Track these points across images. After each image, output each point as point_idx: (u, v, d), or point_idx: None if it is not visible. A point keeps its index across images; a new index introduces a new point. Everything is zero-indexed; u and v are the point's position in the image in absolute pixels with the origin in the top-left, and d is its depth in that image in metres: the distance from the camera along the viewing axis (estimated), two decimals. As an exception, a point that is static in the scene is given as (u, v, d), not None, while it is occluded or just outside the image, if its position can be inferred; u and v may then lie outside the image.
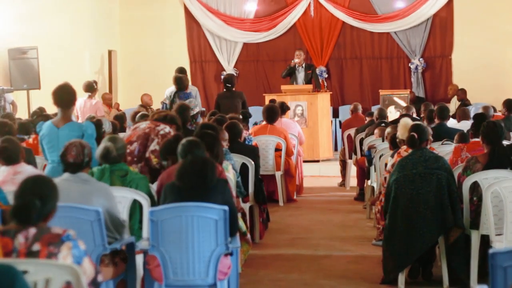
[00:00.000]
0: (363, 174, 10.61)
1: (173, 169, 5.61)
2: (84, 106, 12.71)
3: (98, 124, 7.89)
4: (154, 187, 6.05)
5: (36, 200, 3.60)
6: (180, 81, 11.74)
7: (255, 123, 12.23)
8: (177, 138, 6.26)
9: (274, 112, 11.09)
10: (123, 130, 10.56)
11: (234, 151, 8.18)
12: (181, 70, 12.96)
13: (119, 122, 10.64)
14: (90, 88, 13.08)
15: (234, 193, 6.56)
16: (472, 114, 13.38)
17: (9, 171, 6.16)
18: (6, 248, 3.47)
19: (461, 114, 10.64)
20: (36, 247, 3.50)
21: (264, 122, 11.13)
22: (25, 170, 6.22)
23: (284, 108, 11.97)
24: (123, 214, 5.52)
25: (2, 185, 6.06)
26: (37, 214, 3.59)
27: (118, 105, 15.92)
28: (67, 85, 6.95)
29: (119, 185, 5.68)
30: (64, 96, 6.89)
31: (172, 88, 12.16)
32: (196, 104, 11.68)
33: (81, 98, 12.81)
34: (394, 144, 8.06)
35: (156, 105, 13.92)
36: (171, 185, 5.39)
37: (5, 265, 2.95)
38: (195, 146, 5.75)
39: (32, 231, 3.54)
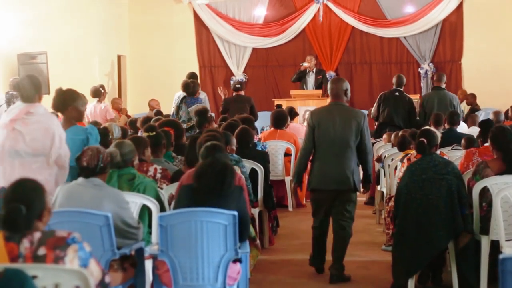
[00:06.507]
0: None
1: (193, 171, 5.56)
2: (94, 112, 12.76)
3: (104, 131, 7.88)
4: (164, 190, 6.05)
5: (21, 206, 3.48)
6: (187, 86, 11.72)
7: (262, 129, 12.19)
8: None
9: (282, 118, 11.02)
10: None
11: (245, 157, 8.17)
12: (192, 75, 12.95)
13: (133, 128, 10.58)
14: (97, 93, 13.15)
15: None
16: (481, 119, 13.46)
17: (22, 110, 6.34)
18: (12, 253, 3.45)
19: (471, 121, 10.77)
20: (42, 251, 3.48)
21: (272, 128, 11.09)
22: (37, 111, 6.39)
23: (292, 113, 11.94)
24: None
25: (13, 123, 6.22)
26: (24, 220, 3.49)
27: (126, 110, 15.89)
28: (59, 90, 7.00)
29: (127, 189, 5.69)
30: (55, 101, 6.94)
31: (180, 93, 12.14)
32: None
33: (91, 103, 12.84)
34: (402, 147, 8.20)
35: (164, 110, 13.90)
36: (187, 188, 5.34)
37: (15, 269, 2.95)
38: (218, 149, 5.64)
39: (37, 235, 3.51)
